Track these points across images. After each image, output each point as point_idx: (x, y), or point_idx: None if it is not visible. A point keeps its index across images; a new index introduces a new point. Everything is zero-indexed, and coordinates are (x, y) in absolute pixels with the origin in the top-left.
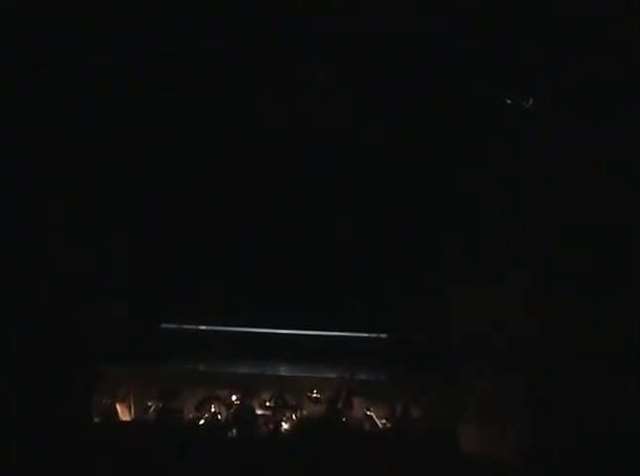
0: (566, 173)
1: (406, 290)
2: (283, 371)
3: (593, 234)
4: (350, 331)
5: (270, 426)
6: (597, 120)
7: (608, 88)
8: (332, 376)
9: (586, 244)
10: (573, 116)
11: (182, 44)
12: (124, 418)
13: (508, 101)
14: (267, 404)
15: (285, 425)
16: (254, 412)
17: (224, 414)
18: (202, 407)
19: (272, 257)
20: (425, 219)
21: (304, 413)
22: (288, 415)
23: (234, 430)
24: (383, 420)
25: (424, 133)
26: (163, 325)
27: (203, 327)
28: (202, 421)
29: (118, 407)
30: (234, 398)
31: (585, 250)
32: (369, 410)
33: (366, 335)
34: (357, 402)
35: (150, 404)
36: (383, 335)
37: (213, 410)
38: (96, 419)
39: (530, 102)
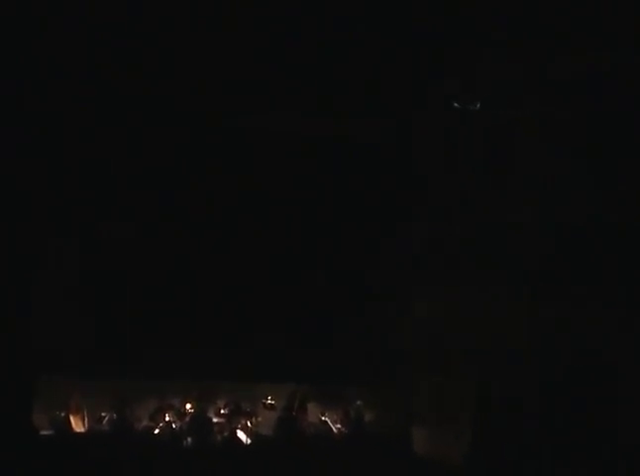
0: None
1: (360, 295)
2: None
3: (548, 237)
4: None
5: (225, 434)
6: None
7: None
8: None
9: (537, 246)
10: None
11: None
12: (77, 430)
13: (456, 105)
14: (222, 411)
15: (240, 432)
16: (208, 420)
17: (178, 422)
18: (156, 416)
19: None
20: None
21: (259, 419)
22: (243, 422)
23: (189, 439)
24: (338, 425)
25: None
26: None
27: None
28: (157, 431)
29: (71, 418)
30: (188, 406)
31: (536, 252)
32: (323, 415)
33: None
34: (311, 407)
35: (103, 414)
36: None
37: (168, 419)
38: (49, 432)
39: (478, 106)
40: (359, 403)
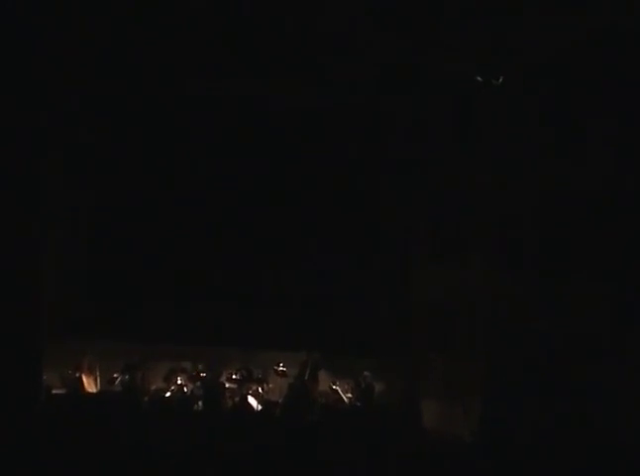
0: None
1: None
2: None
3: (553, 217)
4: None
5: (236, 399)
6: None
7: None
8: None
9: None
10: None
11: None
12: (90, 390)
13: (479, 79)
14: (234, 377)
15: (251, 398)
16: (220, 384)
17: (190, 386)
18: (168, 379)
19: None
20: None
21: (270, 386)
22: (254, 388)
23: (200, 402)
24: (349, 394)
25: None
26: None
27: None
28: (168, 394)
29: (84, 378)
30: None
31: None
32: (334, 384)
33: None
34: (322, 376)
35: (116, 375)
36: None
37: (179, 382)
38: (62, 391)
39: (500, 80)
40: (368, 373)
